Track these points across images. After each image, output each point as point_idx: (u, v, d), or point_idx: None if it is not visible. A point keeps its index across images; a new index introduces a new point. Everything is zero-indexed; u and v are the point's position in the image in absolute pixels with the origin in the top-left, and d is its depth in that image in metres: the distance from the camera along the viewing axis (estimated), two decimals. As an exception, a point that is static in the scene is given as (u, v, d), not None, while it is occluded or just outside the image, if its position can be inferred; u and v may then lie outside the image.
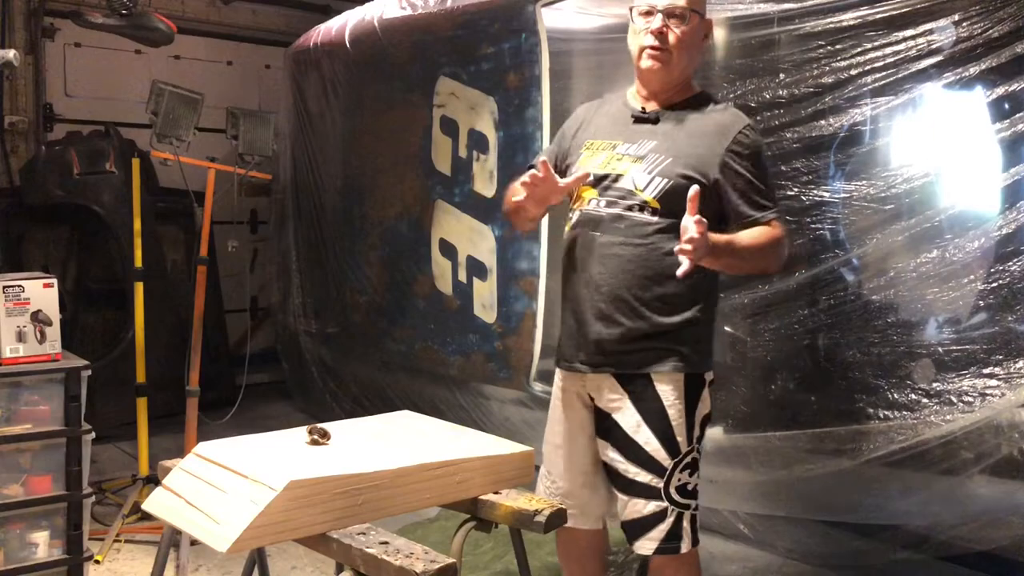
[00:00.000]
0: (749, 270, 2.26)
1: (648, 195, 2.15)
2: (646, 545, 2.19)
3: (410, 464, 1.74)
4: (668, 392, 2.17)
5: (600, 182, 2.22)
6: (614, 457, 2.22)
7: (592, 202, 2.23)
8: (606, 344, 2.19)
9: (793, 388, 3.10)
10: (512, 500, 1.82)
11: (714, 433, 3.38)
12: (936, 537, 2.82)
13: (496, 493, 1.85)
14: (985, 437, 2.63)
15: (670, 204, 2.13)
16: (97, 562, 3.25)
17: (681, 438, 2.17)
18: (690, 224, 1.94)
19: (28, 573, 2.70)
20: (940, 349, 2.77)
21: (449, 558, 1.54)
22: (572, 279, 2.26)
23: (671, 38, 2.17)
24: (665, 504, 2.16)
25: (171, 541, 2.11)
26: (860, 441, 2.84)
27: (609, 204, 2.20)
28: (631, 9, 2.25)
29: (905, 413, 2.76)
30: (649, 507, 2.17)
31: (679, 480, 2.17)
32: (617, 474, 2.22)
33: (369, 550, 1.56)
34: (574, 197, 2.29)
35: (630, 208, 2.17)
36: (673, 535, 2.17)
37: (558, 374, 2.36)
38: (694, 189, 1.96)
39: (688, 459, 2.18)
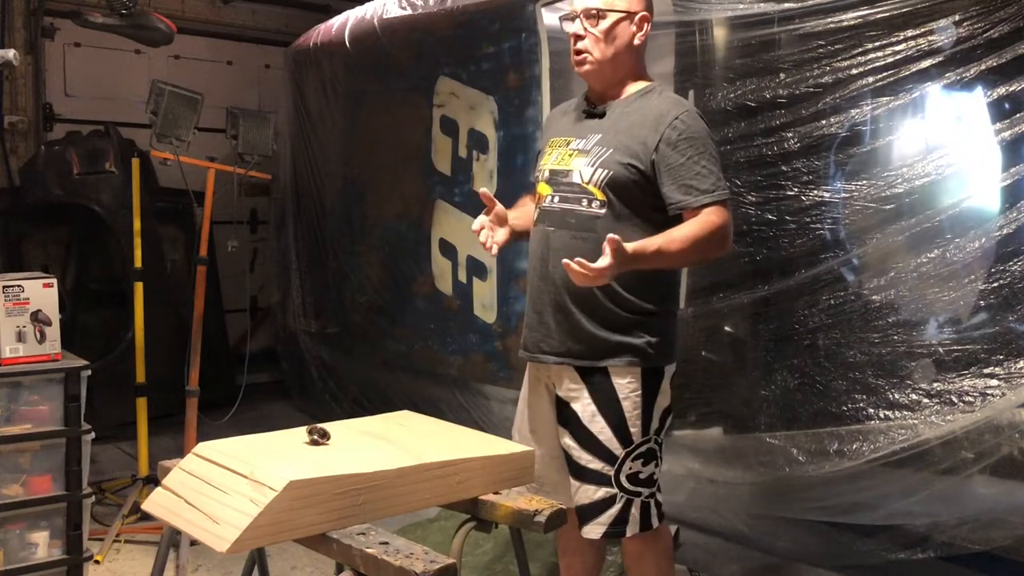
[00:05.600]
0: (687, 265, 2.28)
1: (593, 187, 2.24)
2: (595, 529, 2.28)
3: (410, 464, 1.75)
4: (623, 385, 2.25)
5: (554, 177, 2.32)
6: (569, 444, 2.31)
7: (548, 198, 2.33)
8: (565, 336, 2.28)
9: (793, 388, 3.09)
10: (512, 500, 1.83)
11: (714, 433, 3.38)
12: (936, 537, 2.82)
13: (496, 493, 1.85)
14: (985, 437, 2.63)
15: (613, 195, 2.22)
16: (97, 562, 3.25)
17: (635, 429, 2.26)
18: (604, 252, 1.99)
19: (28, 573, 2.70)
20: (940, 349, 2.77)
21: (449, 558, 1.54)
22: (533, 273, 2.36)
23: (587, 39, 2.27)
24: (615, 491, 2.26)
25: (171, 541, 2.12)
26: (860, 441, 2.84)
27: (562, 200, 2.30)
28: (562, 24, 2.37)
29: (905, 413, 2.76)
30: (599, 493, 2.26)
31: (630, 469, 2.26)
32: (572, 460, 2.31)
33: (369, 550, 1.56)
34: (535, 195, 2.40)
35: (579, 202, 2.26)
36: (620, 520, 2.26)
37: (528, 364, 2.45)
38: (613, 238, 1.99)
39: (642, 449, 2.27)
